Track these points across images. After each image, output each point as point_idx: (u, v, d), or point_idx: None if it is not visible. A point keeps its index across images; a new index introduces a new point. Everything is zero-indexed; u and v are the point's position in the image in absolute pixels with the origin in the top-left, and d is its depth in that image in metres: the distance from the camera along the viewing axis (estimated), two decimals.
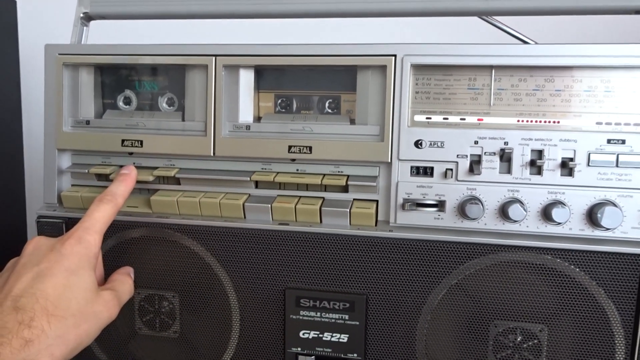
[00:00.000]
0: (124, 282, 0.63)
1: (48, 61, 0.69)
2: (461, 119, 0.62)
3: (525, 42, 0.66)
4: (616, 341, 0.59)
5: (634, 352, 0.58)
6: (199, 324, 0.68)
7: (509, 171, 0.60)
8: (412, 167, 0.62)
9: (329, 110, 0.67)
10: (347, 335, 0.64)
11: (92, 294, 0.56)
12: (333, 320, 0.64)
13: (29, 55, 1.10)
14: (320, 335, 0.65)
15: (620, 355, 0.59)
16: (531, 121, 0.60)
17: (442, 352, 0.63)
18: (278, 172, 0.66)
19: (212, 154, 0.67)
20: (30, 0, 1.18)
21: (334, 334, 0.64)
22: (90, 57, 0.69)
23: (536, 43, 0.62)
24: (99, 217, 0.60)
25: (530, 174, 0.60)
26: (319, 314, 0.64)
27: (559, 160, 0.59)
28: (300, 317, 0.65)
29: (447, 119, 0.62)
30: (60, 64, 0.69)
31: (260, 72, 0.67)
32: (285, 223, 0.65)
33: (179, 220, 0.67)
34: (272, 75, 0.68)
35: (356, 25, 0.88)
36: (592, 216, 0.58)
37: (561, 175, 0.59)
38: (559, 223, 0.59)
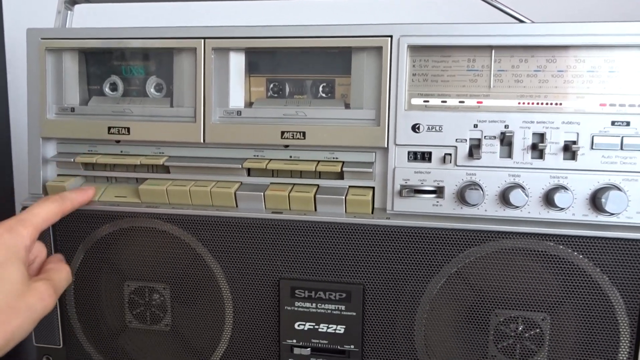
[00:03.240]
0: (60, 269, 0.59)
1: (30, 46, 0.67)
2: (460, 102, 0.60)
3: (521, 22, 0.63)
4: (620, 329, 0.57)
5: (639, 341, 0.57)
6: (191, 316, 0.66)
7: (509, 155, 0.58)
8: (409, 152, 0.60)
9: (323, 95, 0.65)
10: (344, 327, 0.62)
11: (22, 287, 0.53)
12: (329, 311, 0.62)
13: (15, 42, 1.07)
14: (316, 327, 0.63)
15: (624, 344, 0.57)
16: (532, 103, 0.58)
17: (442, 342, 0.61)
18: (271, 159, 0.64)
19: (202, 141, 0.64)
20: None
21: (330, 325, 0.62)
22: (74, 41, 0.66)
23: (532, 22, 0.60)
24: (39, 212, 0.58)
25: (532, 158, 0.58)
26: (314, 304, 0.62)
27: (562, 144, 0.57)
28: (295, 309, 0.63)
29: (445, 102, 0.60)
30: (43, 49, 0.66)
31: (252, 56, 0.65)
32: (278, 211, 0.63)
33: (169, 210, 0.64)
34: (264, 59, 0.65)
35: (351, 5, 0.86)
36: (595, 201, 0.56)
37: (564, 159, 0.57)
38: (562, 208, 0.57)
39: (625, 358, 0.57)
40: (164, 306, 0.66)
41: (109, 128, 0.66)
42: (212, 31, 0.63)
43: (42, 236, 0.66)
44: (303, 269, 0.62)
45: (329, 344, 0.63)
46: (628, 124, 0.56)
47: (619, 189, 0.56)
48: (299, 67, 0.65)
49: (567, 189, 0.57)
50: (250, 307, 0.64)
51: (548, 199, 0.57)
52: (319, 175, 0.64)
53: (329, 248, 0.61)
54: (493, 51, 0.58)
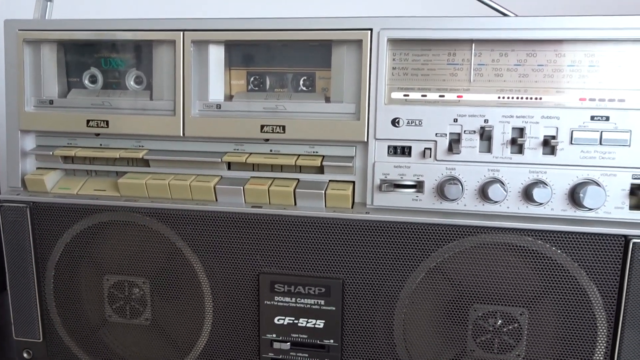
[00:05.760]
0: None
1: (8, 37, 0.66)
2: (440, 96, 0.59)
3: (505, 15, 0.63)
4: (598, 324, 0.57)
5: (616, 336, 0.57)
6: (171, 310, 0.66)
7: (489, 150, 0.58)
8: (389, 147, 0.60)
9: (304, 88, 0.64)
10: (323, 321, 0.62)
11: None
12: (308, 306, 0.62)
13: None
14: (296, 321, 0.63)
15: (602, 339, 0.57)
16: (512, 98, 0.58)
17: (421, 337, 0.61)
18: (251, 153, 0.63)
19: (181, 135, 0.64)
20: None
21: (310, 320, 0.62)
22: (52, 32, 0.65)
23: (516, 15, 0.60)
24: None
25: (511, 152, 0.57)
26: (294, 299, 0.62)
27: (541, 138, 0.57)
28: (275, 303, 0.63)
29: (425, 95, 0.59)
30: (21, 40, 0.65)
31: (231, 48, 0.64)
32: (258, 206, 0.62)
33: (148, 203, 0.64)
34: (244, 52, 0.65)
35: None
36: (574, 196, 0.56)
37: (543, 153, 0.57)
38: (541, 203, 0.57)
39: (602, 353, 0.57)
40: (144, 300, 0.66)
41: (88, 121, 0.65)
42: (191, 23, 0.62)
43: (20, 230, 0.66)
44: (283, 263, 0.62)
45: (309, 338, 0.63)
46: (607, 119, 0.56)
47: (597, 184, 0.56)
48: (279, 61, 0.64)
49: (546, 184, 0.57)
50: (229, 302, 0.64)
51: (527, 194, 0.57)
52: (299, 169, 0.63)
53: (308, 243, 0.61)
54: (473, 45, 0.58)
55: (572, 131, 0.56)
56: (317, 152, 0.63)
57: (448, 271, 0.59)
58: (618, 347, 0.57)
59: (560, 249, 0.56)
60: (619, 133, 0.55)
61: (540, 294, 0.58)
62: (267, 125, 0.62)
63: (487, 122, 0.57)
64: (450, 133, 0.58)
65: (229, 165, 0.65)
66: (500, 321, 0.59)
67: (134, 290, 0.66)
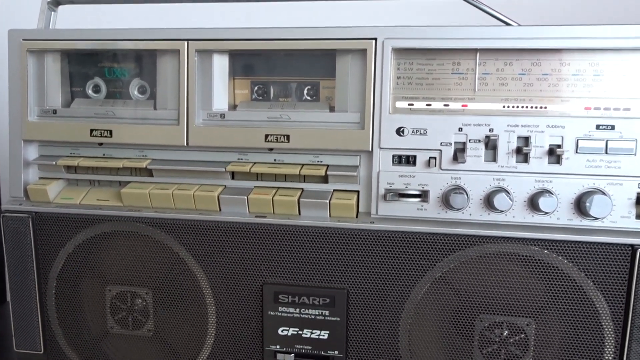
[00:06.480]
0: None
1: (12, 47, 0.66)
2: (445, 105, 0.59)
3: (508, 25, 0.63)
4: (605, 334, 0.57)
5: (624, 346, 0.56)
6: (174, 321, 0.65)
7: (494, 159, 0.58)
8: (394, 156, 0.60)
9: (308, 98, 0.64)
10: (328, 332, 0.62)
11: None
12: (313, 317, 0.62)
13: None
14: (300, 332, 0.62)
15: (609, 349, 0.57)
16: (517, 107, 0.58)
17: (426, 347, 0.61)
18: (255, 163, 0.63)
19: (185, 144, 0.64)
20: None
21: (314, 331, 0.62)
22: (56, 42, 0.65)
23: (519, 25, 0.60)
24: None
25: (517, 161, 0.57)
26: (298, 310, 0.62)
27: (546, 147, 0.57)
28: (279, 314, 0.62)
29: (430, 105, 0.59)
30: (25, 50, 0.65)
31: (235, 58, 0.64)
32: (262, 215, 0.62)
33: (152, 213, 0.64)
34: (248, 61, 0.65)
35: (335, 8, 0.85)
36: (580, 205, 0.56)
37: (548, 162, 0.57)
38: (546, 213, 0.57)
39: None
40: (146, 311, 0.66)
41: (92, 130, 0.65)
42: (195, 33, 0.62)
43: (22, 240, 0.65)
44: (287, 273, 0.62)
45: (313, 349, 0.62)
46: (613, 127, 0.56)
47: (603, 193, 0.56)
48: (283, 70, 0.64)
49: (551, 193, 0.56)
50: (233, 312, 0.63)
51: (533, 203, 0.57)
52: (304, 178, 0.63)
53: (312, 252, 0.61)
54: (478, 54, 0.58)
55: (577, 140, 0.56)
56: (321, 161, 0.62)
57: (453, 281, 0.59)
58: (626, 357, 0.56)
59: (567, 258, 0.56)
60: (625, 142, 0.55)
61: (547, 304, 0.57)
62: (271, 135, 0.62)
63: (492, 131, 0.57)
64: (455, 142, 0.58)
65: (233, 175, 0.64)
66: (506, 332, 0.58)
67: (137, 301, 0.66)
